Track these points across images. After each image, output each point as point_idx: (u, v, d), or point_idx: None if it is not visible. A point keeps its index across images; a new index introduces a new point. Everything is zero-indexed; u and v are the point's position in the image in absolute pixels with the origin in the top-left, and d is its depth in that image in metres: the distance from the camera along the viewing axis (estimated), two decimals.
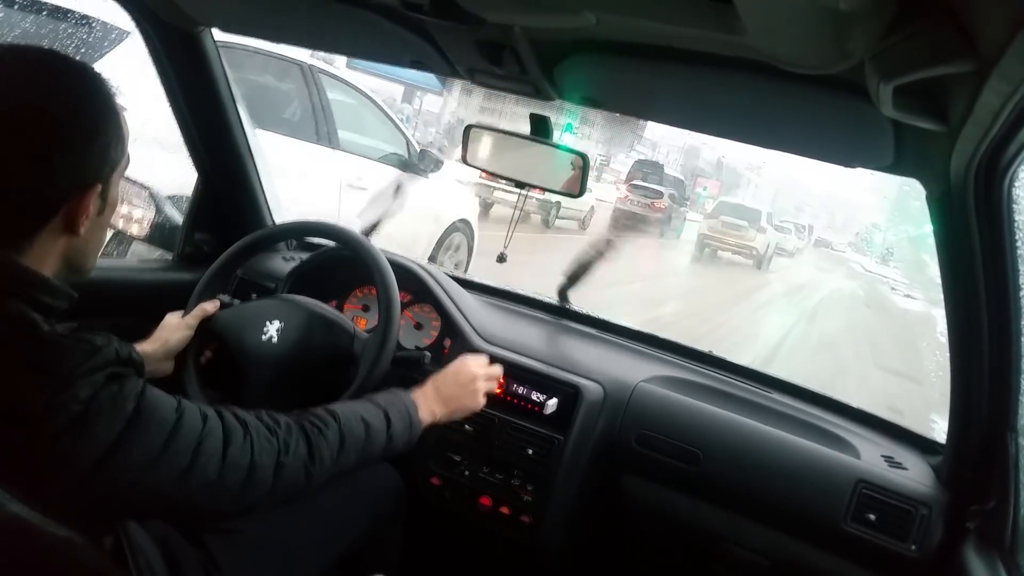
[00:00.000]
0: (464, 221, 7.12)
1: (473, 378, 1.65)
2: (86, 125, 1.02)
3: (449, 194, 6.92)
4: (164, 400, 1.07)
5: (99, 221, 1.10)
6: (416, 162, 6.09)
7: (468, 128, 1.73)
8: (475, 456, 1.89)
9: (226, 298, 1.75)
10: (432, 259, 6.44)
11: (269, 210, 2.32)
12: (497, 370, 1.75)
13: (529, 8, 1.12)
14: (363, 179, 5.45)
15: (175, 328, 1.66)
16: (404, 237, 5.89)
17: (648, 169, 24.04)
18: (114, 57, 3.59)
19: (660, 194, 20.01)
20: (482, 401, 1.68)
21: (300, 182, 5.01)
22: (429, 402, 1.55)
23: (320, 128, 5.26)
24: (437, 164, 6.26)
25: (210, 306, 1.71)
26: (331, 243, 2.09)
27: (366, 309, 2.11)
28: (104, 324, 1.07)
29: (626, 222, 19.25)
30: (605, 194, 21.21)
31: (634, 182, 20.28)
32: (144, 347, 1.59)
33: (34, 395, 0.93)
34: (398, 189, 2.46)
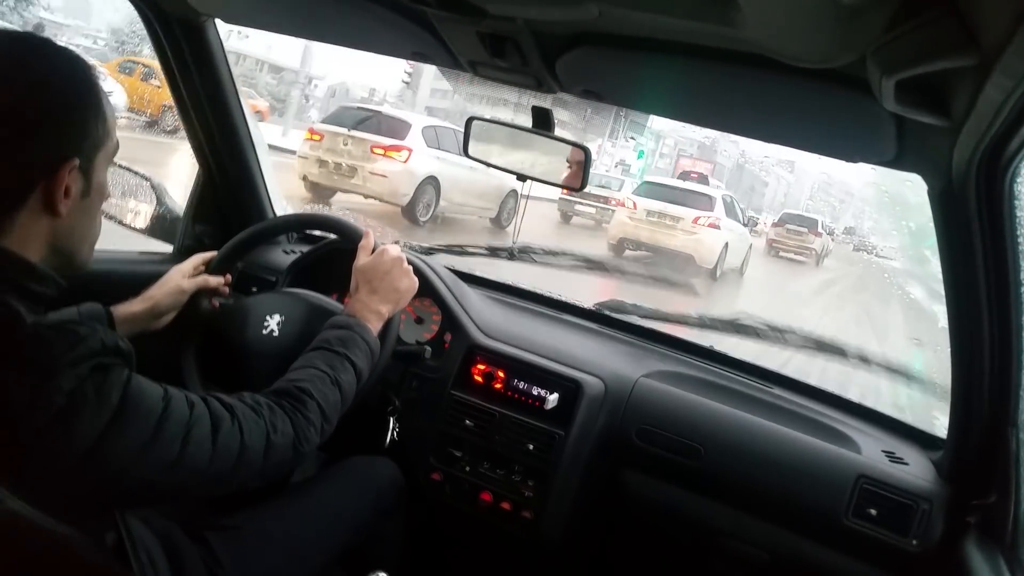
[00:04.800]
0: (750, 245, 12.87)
1: (392, 261, 1.57)
2: (58, 99, 1.01)
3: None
4: (150, 389, 1.05)
5: (84, 206, 1.08)
6: None
7: (470, 120, 1.72)
8: (476, 451, 1.89)
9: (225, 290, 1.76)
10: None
11: (270, 202, 2.32)
12: (395, 247, 1.64)
13: (532, 0, 1.12)
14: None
15: (168, 292, 1.64)
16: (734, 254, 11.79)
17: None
18: None
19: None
20: (415, 278, 1.61)
21: None
22: (373, 306, 1.51)
23: None
24: None
25: (213, 280, 1.70)
26: (332, 235, 2.09)
27: None
28: None
29: None
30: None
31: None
32: (133, 306, 1.59)
33: (17, 388, 0.92)
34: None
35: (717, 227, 12.46)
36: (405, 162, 9.88)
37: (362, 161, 10.05)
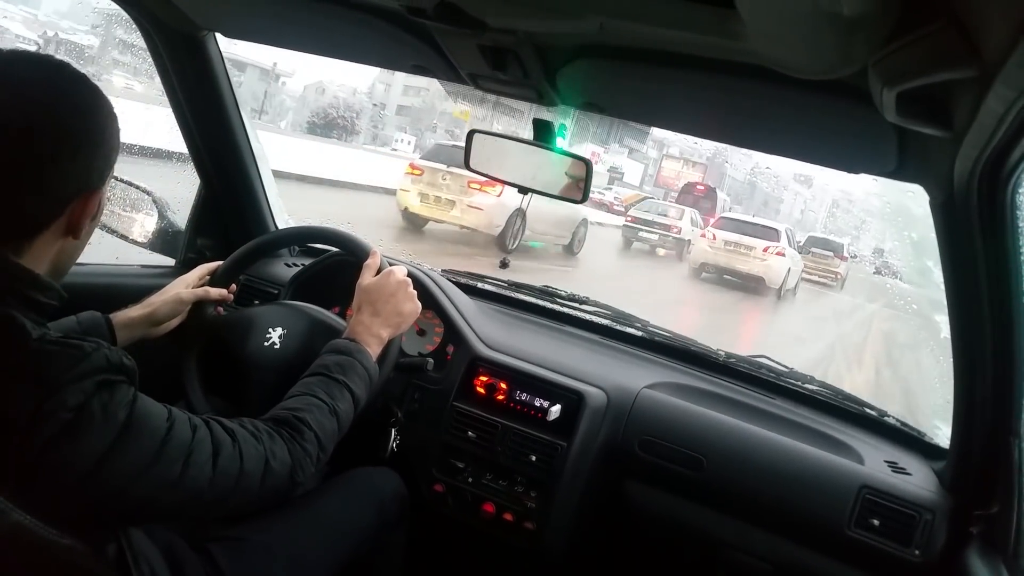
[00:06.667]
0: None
1: (397, 284, 1.58)
2: (95, 129, 1.03)
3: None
4: (155, 410, 1.06)
5: (91, 227, 1.11)
6: None
7: (471, 133, 1.72)
8: (478, 463, 1.89)
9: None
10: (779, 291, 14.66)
11: (272, 215, 2.33)
12: (402, 269, 1.65)
13: (533, 13, 1.12)
14: None
15: (167, 300, 1.64)
16: (793, 276, 15.36)
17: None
18: None
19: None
20: (418, 303, 1.62)
21: None
22: (374, 330, 1.51)
23: None
24: None
25: (215, 292, 1.70)
26: (333, 249, 2.09)
27: None
28: None
29: None
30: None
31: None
32: (131, 312, 1.60)
33: (21, 403, 0.92)
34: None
35: (783, 255, 15.24)
36: (499, 196, 10.64)
37: (459, 195, 11.00)
